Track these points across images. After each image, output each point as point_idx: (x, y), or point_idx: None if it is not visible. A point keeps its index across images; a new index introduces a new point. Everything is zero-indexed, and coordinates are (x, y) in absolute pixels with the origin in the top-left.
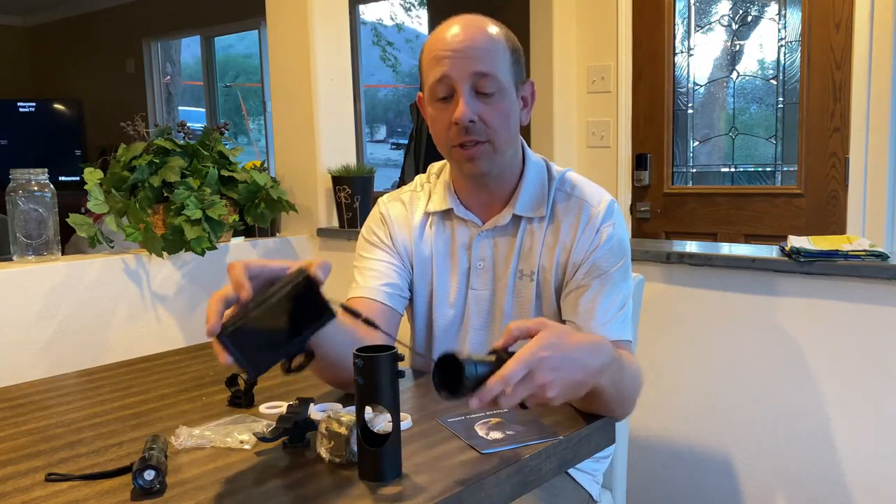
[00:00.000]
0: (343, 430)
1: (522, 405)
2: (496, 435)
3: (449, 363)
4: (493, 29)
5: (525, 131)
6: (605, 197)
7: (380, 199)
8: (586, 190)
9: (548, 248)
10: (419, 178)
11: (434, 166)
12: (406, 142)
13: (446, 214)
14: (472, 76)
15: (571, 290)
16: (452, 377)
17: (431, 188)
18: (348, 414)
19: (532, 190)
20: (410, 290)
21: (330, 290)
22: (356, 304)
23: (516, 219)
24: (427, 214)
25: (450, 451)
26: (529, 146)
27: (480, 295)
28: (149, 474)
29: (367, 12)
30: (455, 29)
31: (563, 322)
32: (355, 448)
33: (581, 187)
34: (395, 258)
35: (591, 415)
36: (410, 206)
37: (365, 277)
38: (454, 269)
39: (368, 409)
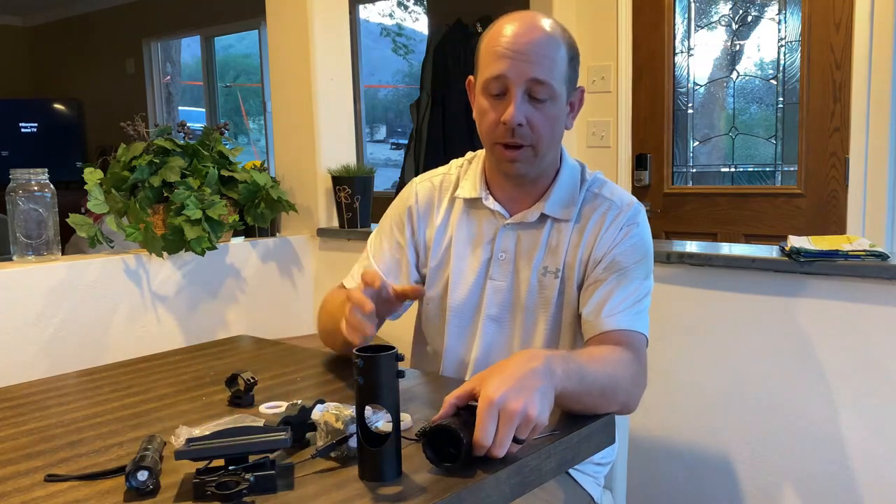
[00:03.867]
0: (339, 426)
1: (517, 440)
2: None
3: (437, 435)
4: (557, 32)
5: None
6: (632, 200)
7: (414, 179)
8: (614, 191)
9: (573, 246)
10: (454, 162)
11: (471, 153)
12: (406, 142)
13: (474, 203)
14: (528, 82)
15: (590, 284)
16: (441, 445)
17: (462, 173)
18: (347, 410)
19: (563, 192)
20: (423, 279)
21: (329, 288)
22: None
23: (543, 217)
24: (455, 199)
25: None
26: None
27: (498, 286)
28: (142, 475)
29: (373, 11)
30: (519, 27)
31: (579, 315)
32: (352, 444)
33: (609, 188)
34: (409, 252)
35: (590, 415)
36: (440, 190)
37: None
38: (475, 257)
39: (368, 409)
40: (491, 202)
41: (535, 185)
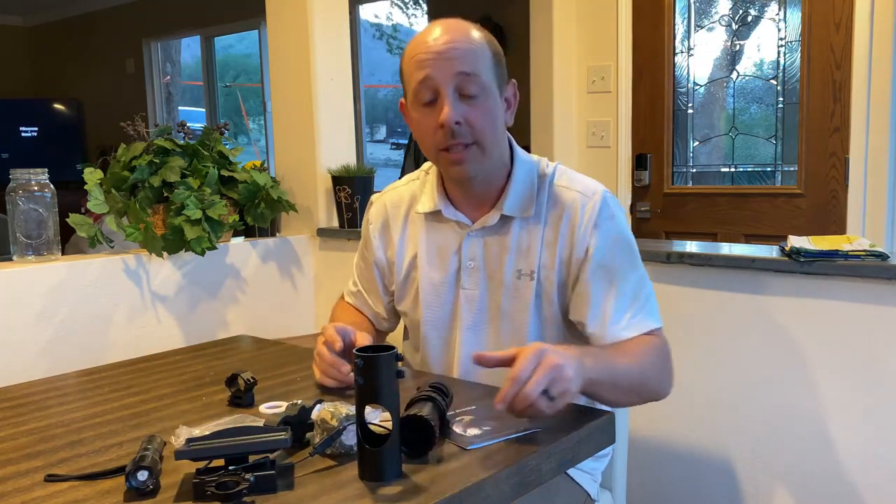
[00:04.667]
0: (334, 422)
1: (547, 395)
2: (474, 431)
3: (410, 425)
4: (474, 32)
5: (525, 131)
6: (599, 188)
7: (372, 197)
8: (579, 182)
9: (548, 246)
10: (410, 175)
11: (427, 164)
12: (406, 142)
13: (435, 216)
14: (456, 77)
15: (580, 292)
16: (416, 435)
17: (419, 187)
18: (343, 408)
19: (520, 190)
20: (392, 296)
21: (329, 288)
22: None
23: (505, 218)
24: (412, 215)
25: (449, 452)
26: (529, 146)
27: (471, 294)
28: (142, 475)
29: (369, 11)
30: (436, 32)
31: (570, 321)
32: (347, 442)
33: (574, 180)
34: (375, 272)
35: (589, 415)
36: (392, 208)
37: (348, 299)
38: (444, 268)
39: (368, 409)
40: (451, 212)
41: (490, 188)
